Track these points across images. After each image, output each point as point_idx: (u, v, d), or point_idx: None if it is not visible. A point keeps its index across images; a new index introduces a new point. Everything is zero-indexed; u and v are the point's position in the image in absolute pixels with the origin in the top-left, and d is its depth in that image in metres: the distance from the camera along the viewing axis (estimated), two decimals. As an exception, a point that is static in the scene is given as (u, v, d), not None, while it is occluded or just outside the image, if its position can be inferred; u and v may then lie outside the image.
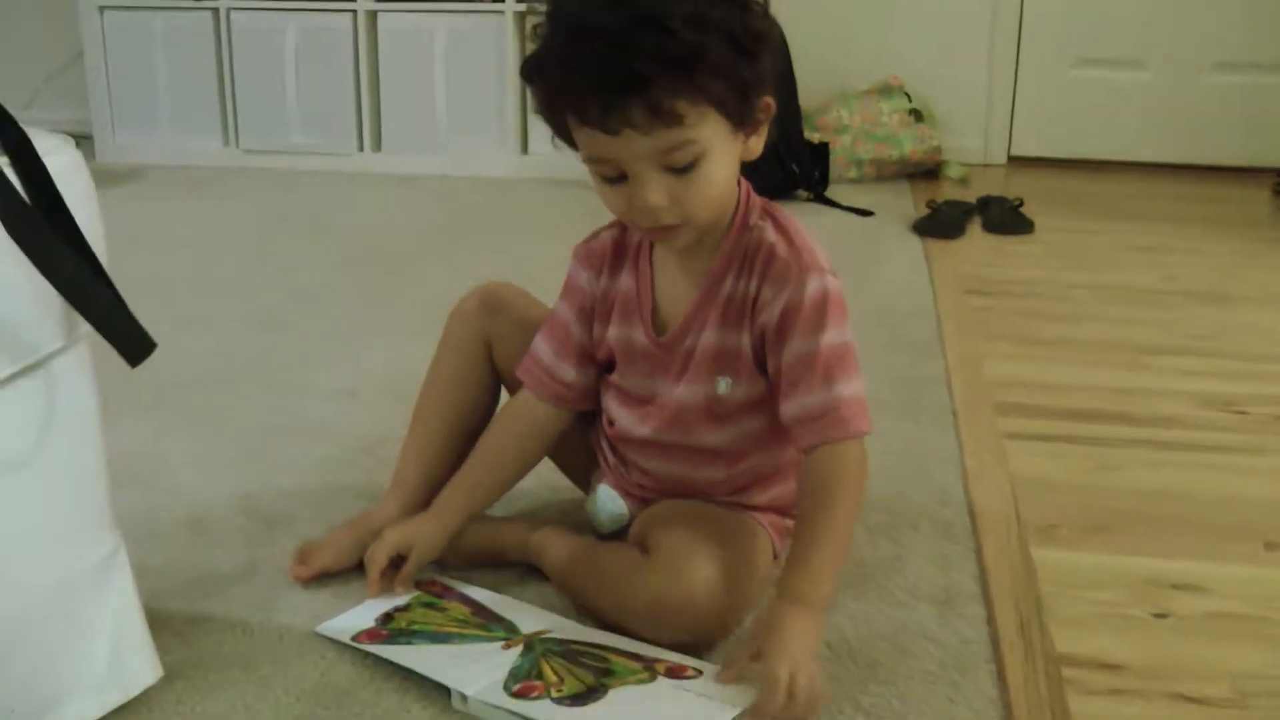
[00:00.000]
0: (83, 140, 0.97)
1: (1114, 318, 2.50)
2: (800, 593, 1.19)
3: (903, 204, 3.55)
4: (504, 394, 1.49)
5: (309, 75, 3.91)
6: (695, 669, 1.18)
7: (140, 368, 1.05)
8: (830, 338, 1.23)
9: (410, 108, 3.91)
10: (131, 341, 1.02)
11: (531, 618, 1.29)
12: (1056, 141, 4.22)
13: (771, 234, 1.27)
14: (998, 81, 4.17)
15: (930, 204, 3.35)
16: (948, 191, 3.69)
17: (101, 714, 1.12)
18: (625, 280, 1.34)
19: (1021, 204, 3.36)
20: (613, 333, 1.35)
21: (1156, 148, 4.15)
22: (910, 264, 2.86)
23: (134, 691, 1.14)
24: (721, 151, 1.19)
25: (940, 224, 3.18)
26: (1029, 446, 1.82)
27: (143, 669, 1.15)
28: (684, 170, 1.17)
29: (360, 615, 1.28)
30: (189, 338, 2.24)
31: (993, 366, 2.16)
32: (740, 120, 1.19)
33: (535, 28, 1.19)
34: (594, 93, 1.13)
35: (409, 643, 1.23)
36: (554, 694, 1.15)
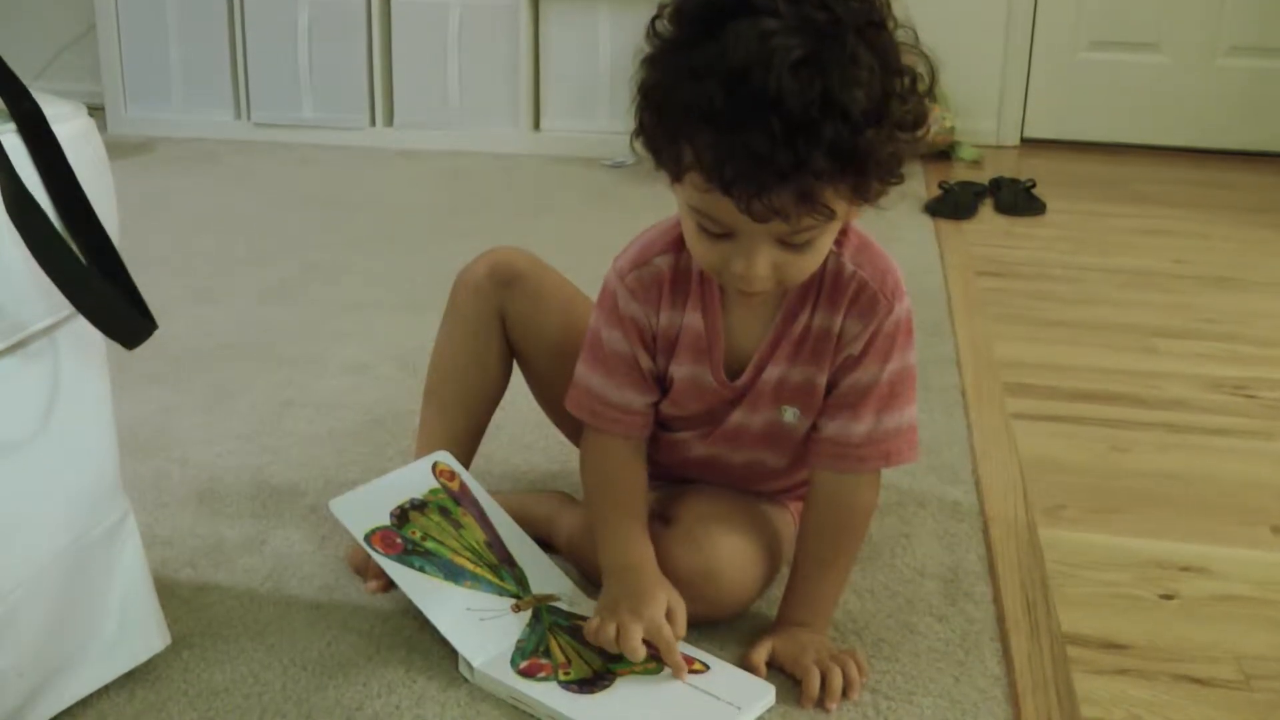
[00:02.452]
0: (95, 112, 0.98)
1: (1124, 300, 2.50)
2: (803, 620, 1.21)
3: (915, 185, 3.53)
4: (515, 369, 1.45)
5: (321, 49, 3.90)
6: (703, 663, 1.17)
7: (153, 339, 1.05)
8: (895, 365, 1.20)
9: (423, 83, 3.90)
10: (125, 325, 1.01)
11: (542, 569, 1.28)
12: (1069, 124, 4.20)
13: (851, 262, 1.19)
14: (1011, 63, 4.15)
15: (942, 185, 3.34)
16: (960, 173, 3.67)
17: (110, 680, 1.12)
18: (691, 318, 1.22)
19: (1034, 186, 3.35)
20: (679, 371, 1.25)
21: (1169, 131, 4.13)
22: (921, 244, 2.85)
23: (142, 658, 1.15)
24: (838, 224, 1.12)
25: (952, 205, 3.17)
26: (1037, 427, 1.81)
27: (151, 636, 1.16)
28: (799, 247, 1.08)
29: (375, 499, 1.24)
30: (201, 310, 2.25)
31: (1002, 347, 2.16)
32: (870, 199, 1.09)
33: (657, 20, 1.06)
34: (752, 172, 0.99)
35: (421, 569, 1.21)
36: (561, 676, 1.15)
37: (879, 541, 1.44)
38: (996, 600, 1.32)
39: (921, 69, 1.09)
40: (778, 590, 1.30)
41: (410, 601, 1.21)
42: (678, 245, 1.21)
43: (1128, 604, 1.35)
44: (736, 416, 1.26)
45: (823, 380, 1.22)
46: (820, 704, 1.14)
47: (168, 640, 1.18)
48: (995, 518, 1.51)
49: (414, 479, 1.29)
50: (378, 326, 2.18)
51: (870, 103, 1.00)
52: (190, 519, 1.47)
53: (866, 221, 1.18)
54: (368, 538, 1.21)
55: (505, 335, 1.39)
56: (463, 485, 1.32)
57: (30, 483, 1.01)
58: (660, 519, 1.30)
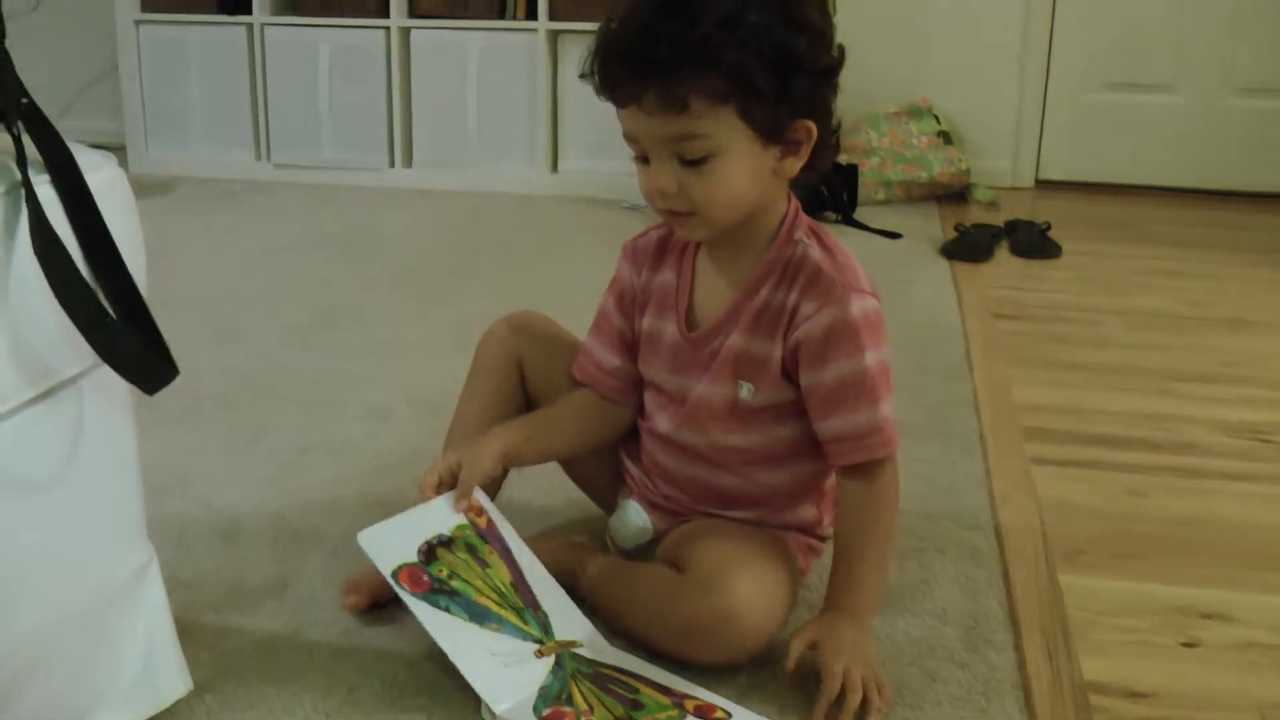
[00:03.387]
0: (116, 151, 0.99)
1: (1141, 343, 2.50)
2: (847, 605, 1.25)
3: (931, 227, 3.55)
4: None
5: (341, 90, 3.94)
6: (724, 710, 1.17)
7: (174, 383, 1.06)
8: (874, 358, 1.27)
9: (442, 124, 3.94)
10: (146, 371, 1.03)
11: (565, 613, 1.28)
12: (1085, 165, 4.22)
13: (816, 252, 1.30)
14: (1027, 104, 4.18)
15: (958, 227, 3.35)
16: (976, 214, 3.68)
17: (133, 725, 1.13)
18: (666, 275, 1.39)
19: (1049, 228, 3.35)
20: (646, 322, 1.40)
21: (1184, 172, 4.14)
22: (938, 287, 2.86)
23: (165, 703, 1.16)
24: (739, 156, 1.22)
25: (968, 247, 3.18)
26: (1056, 472, 1.82)
27: (173, 681, 1.17)
28: (695, 163, 1.22)
29: (403, 533, 1.25)
30: (222, 352, 2.26)
31: (1020, 391, 2.16)
32: (768, 133, 1.22)
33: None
34: (618, 69, 1.21)
35: (446, 609, 1.21)
36: None
37: (899, 588, 1.44)
38: (1018, 647, 1.32)
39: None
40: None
41: (432, 644, 1.21)
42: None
43: (1149, 651, 1.34)
44: (700, 389, 1.34)
45: (775, 355, 1.30)
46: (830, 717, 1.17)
47: (190, 685, 1.18)
48: (1015, 563, 1.51)
49: (442, 513, 1.29)
50: (397, 369, 2.19)
51: (720, 13, 1.16)
52: (212, 562, 1.47)
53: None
54: (395, 574, 1.21)
55: (524, 384, 1.48)
56: (490, 522, 1.33)
57: (56, 528, 1.02)
58: (672, 565, 1.31)
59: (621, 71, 1.20)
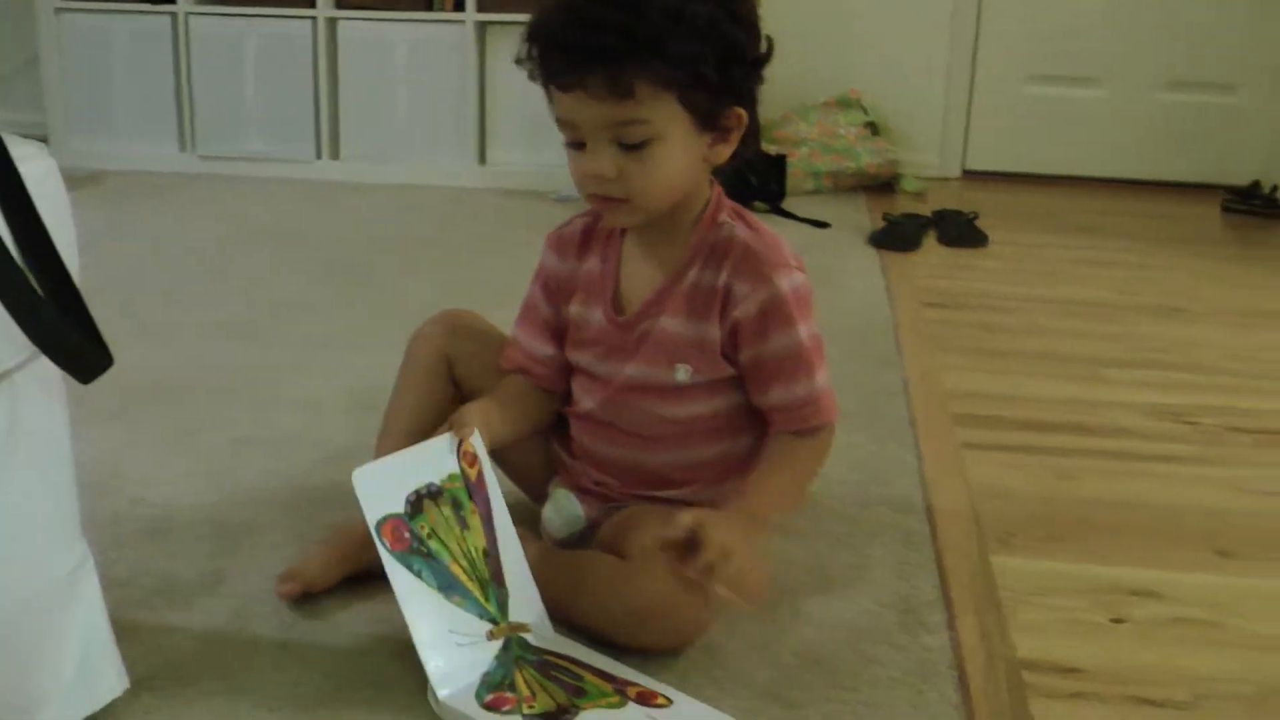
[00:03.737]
0: (38, 142, 0.98)
1: (1069, 330, 2.54)
2: (744, 506, 1.27)
3: (859, 216, 3.58)
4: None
5: (268, 82, 3.90)
6: (666, 698, 1.18)
7: (103, 377, 1.05)
8: (806, 331, 1.32)
9: (369, 116, 3.91)
10: (82, 359, 1.02)
11: (522, 593, 1.27)
12: (1011, 156, 4.27)
13: (742, 232, 1.34)
14: (954, 96, 4.22)
15: (886, 217, 3.38)
16: (904, 204, 3.73)
17: (69, 725, 1.11)
18: (592, 262, 1.41)
19: (976, 218, 3.40)
20: (575, 310, 1.42)
21: (1109, 164, 4.21)
22: (867, 276, 2.89)
23: (102, 702, 1.14)
24: (677, 142, 1.26)
25: (897, 237, 3.21)
26: (987, 457, 1.84)
27: (111, 680, 1.15)
28: (635, 148, 1.25)
29: (397, 476, 1.24)
30: (149, 347, 2.23)
31: (950, 378, 2.19)
32: (705, 121, 1.27)
33: None
34: (564, 55, 1.22)
35: (419, 573, 1.21)
36: (525, 709, 1.16)
37: (834, 573, 1.46)
38: (951, 628, 1.34)
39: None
40: (735, 620, 1.32)
41: (365, 640, 1.23)
42: (599, 212, 1.38)
43: (1080, 629, 1.37)
44: (632, 371, 1.37)
45: (714, 335, 1.33)
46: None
47: (127, 683, 1.16)
48: (948, 547, 1.54)
49: (438, 456, 1.28)
50: (330, 363, 2.18)
51: (666, 4, 1.19)
52: (147, 559, 1.46)
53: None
54: (379, 526, 1.21)
55: (453, 378, 1.49)
56: (480, 476, 1.32)
57: (-10, 526, 1.01)
58: (611, 550, 1.33)
59: (566, 57, 1.22)
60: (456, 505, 1.27)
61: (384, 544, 1.20)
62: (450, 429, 1.31)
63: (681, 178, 1.29)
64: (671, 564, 1.20)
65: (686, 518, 1.19)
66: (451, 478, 1.28)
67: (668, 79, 1.21)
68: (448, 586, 1.22)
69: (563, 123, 1.28)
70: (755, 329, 1.31)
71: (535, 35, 1.26)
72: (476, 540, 1.27)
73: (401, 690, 1.20)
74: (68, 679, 1.10)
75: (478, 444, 1.32)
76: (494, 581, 1.26)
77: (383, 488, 1.22)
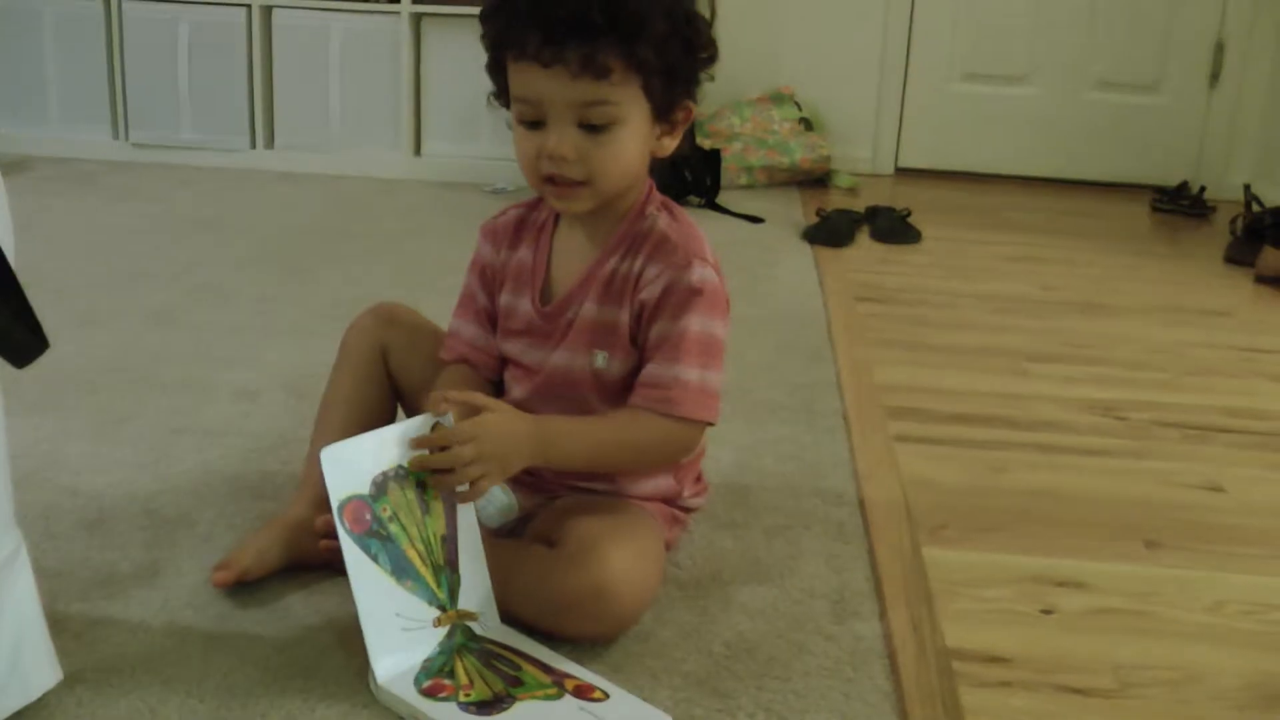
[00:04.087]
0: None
1: (998, 325, 2.58)
2: (545, 428, 1.28)
3: (793, 212, 3.61)
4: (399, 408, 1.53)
5: (201, 69, 3.86)
6: (603, 691, 1.19)
7: (36, 365, 1.05)
8: (692, 323, 1.31)
9: (303, 105, 3.89)
10: (17, 344, 1.01)
11: (473, 581, 1.27)
12: (943, 154, 4.32)
13: (664, 222, 1.36)
14: (886, 93, 4.26)
15: (820, 212, 3.41)
16: (837, 200, 3.75)
17: (2, 717, 1.10)
18: (523, 252, 1.43)
19: (909, 214, 3.43)
20: (505, 299, 1.43)
21: (1040, 162, 4.28)
22: (801, 271, 2.91)
23: (34, 695, 1.13)
24: (636, 128, 1.28)
25: (830, 232, 3.24)
26: (918, 449, 1.87)
27: (43, 672, 1.14)
28: (597, 130, 1.26)
29: (366, 455, 1.22)
30: (83, 335, 2.21)
31: (882, 372, 2.22)
32: (662, 108, 1.30)
33: None
34: (540, 28, 1.21)
35: (375, 556, 1.20)
36: (462, 697, 1.16)
37: (768, 564, 1.48)
38: (883, 618, 1.36)
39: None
40: (667, 609, 1.34)
41: (300, 629, 1.24)
42: (533, 203, 1.44)
43: (1009, 619, 1.40)
44: (557, 358, 1.38)
45: (624, 320, 1.34)
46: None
47: (60, 676, 1.15)
48: (880, 538, 1.56)
49: (410, 436, 1.25)
50: (265, 352, 2.17)
51: None
52: (80, 550, 1.45)
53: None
54: (341, 506, 1.20)
55: (388, 369, 1.51)
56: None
57: (-78, 515, 1.00)
58: (544, 541, 1.33)
59: (542, 31, 1.21)
60: (421, 489, 1.26)
61: (344, 525, 1.19)
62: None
63: (635, 164, 1.31)
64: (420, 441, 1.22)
65: (465, 426, 1.22)
66: (418, 465, 1.26)
67: (641, 61, 1.23)
68: (401, 571, 1.22)
69: (524, 100, 1.27)
70: (653, 310, 1.32)
71: (503, 7, 1.26)
72: (437, 525, 1.26)
73: (336, 678, 1.20)
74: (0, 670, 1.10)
75: (450, 425, 1.29)
76: (448, 567, 1.26)
77: (349, 468, 1.22)
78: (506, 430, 1.24)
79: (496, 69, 1.30)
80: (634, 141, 1.29)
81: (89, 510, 1.55)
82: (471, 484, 1.23)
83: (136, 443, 1.76)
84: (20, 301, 1.03)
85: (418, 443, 1.23)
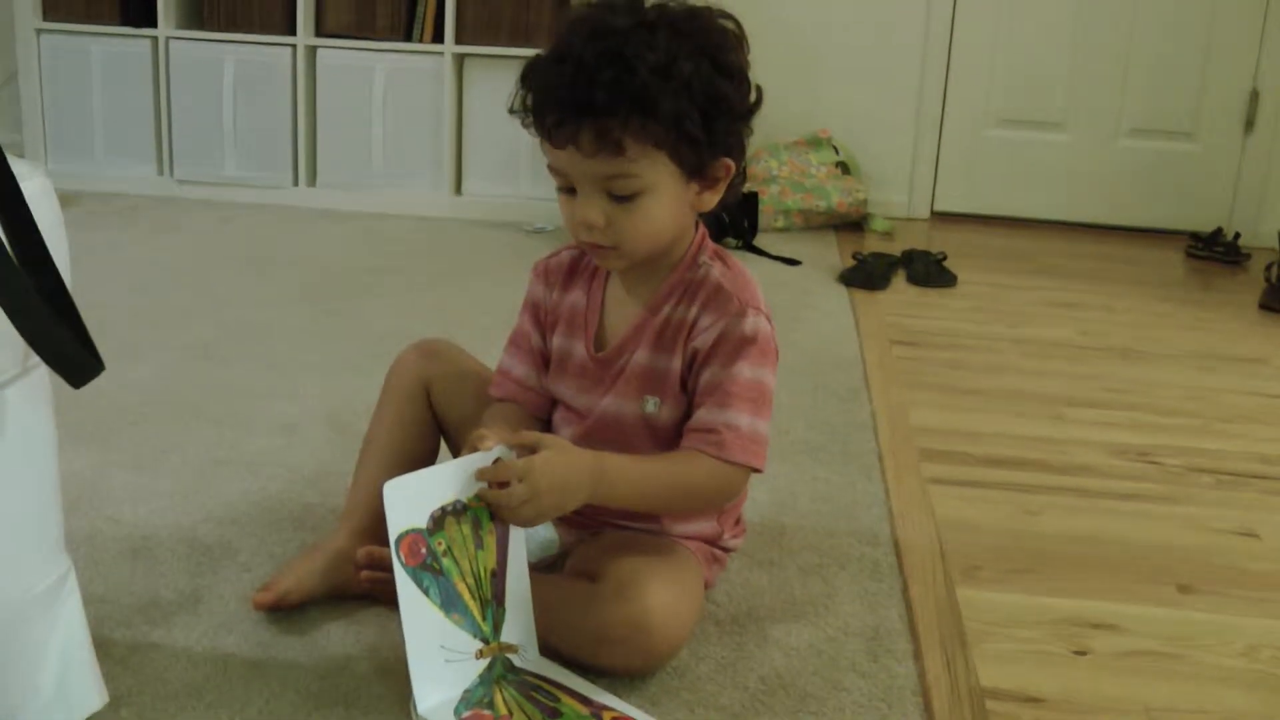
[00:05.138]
0: (32, 162, 1.01)
1: (1033, 370, 2.58)
2: (603, 465, 1.27)
3: (829, 254, 3.62)
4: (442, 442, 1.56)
5: (246, 108, 3.92)
6: None
7: (79, 397, 1.08)
8: (743, 370, 1.32)
9: (346, 144, 3.93)
10: (75, 363, 1.03)
11: (518, 615, 1.29)
12: (978, 198, 4.33)
13: (718, 272, 1.37)
14: (923, 138, 4.28)
15: (856, 255, 3.42)
16: (873, 244, 3.77)
17: (48, 739, 1.13)
18: (576, 296, 1.44)
19: (945, 258, 3.44)
20: (558, 342, 1.45)
21: (1074, 208, 4.27)
22: (837, 313, 2.92)
23: (80, 717, 1.15)
24: (666, 193, 1.29)
25: (866, 275, 3.25)
26: (952, 491, 1.88)
27: (89, 695, 1.16)
28: (624, 199, 1.27)
29: (428, 490, 1.23)
30: (127, 369, 2.24)
31: (917, 414, 2.23)
32: (693, 172, 1.30)
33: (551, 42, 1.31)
34: (555, 109, 1.25)
35: (426, 590, 1.21)
36: None
37: (803, 602, 1.49)
38: (917, 657, 1.37)
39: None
40: (704, 645, 1.35)
41: (341, 658, 1.25)
42: None
43: (1042, 659, 1.40)
44: (608, 403, 1.39)
45: (676, 367, 1.36)
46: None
47: (106, 699, 1.18)
48: (914, 578, 1.56)
49: (472, 473, 1.26)
50: (305, 386, 2.19)
51: (656, 62, 1.22)
52: (124, 577, 1.47)
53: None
54: (399, 540, 1.21)
55: (431, 404, 1.53)
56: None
57: (-26, 538, 1.02)
58: (585, 575, 1.35)
59: (558, 111, 1.24)
60: (476, 524, 1.27)
61: (399, 557, 1.21)
62: (475, 448, 1.27)
63: (669, 226, 1.33)
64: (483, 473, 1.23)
65: (519, 464, 1.22)
66: (476, 499, 1.28)
67: (657, 137, 1.24)
68: (449, 603, 1.24)
69: (554, 170, 1.30)
70: (705, 357, 1.34)
71: (527, 85, 1.29)
72: (488, 560, 1.28)
73: (376, 707, 1.22)
74: (47, 692, 1.12)
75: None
76: (494, 601, 1.28)
77: (411, 502, 1.23)
78: (563, 469, 1.24)
79: (536, 131, 1.31)
80: (662, 207, 1.29)
81: (132, 538, 1.57)
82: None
83: (179, 473, 1.79)
84: (76, 322, 1.05)
85: (482, 474, 1.24)
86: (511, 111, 1.31)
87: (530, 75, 1.29)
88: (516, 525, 1.26)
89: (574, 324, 1.43)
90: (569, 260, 1.46)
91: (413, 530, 1.22)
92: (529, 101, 1.29)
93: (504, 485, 1.23)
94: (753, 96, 1.32)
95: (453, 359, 1.56)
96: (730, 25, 1.31)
